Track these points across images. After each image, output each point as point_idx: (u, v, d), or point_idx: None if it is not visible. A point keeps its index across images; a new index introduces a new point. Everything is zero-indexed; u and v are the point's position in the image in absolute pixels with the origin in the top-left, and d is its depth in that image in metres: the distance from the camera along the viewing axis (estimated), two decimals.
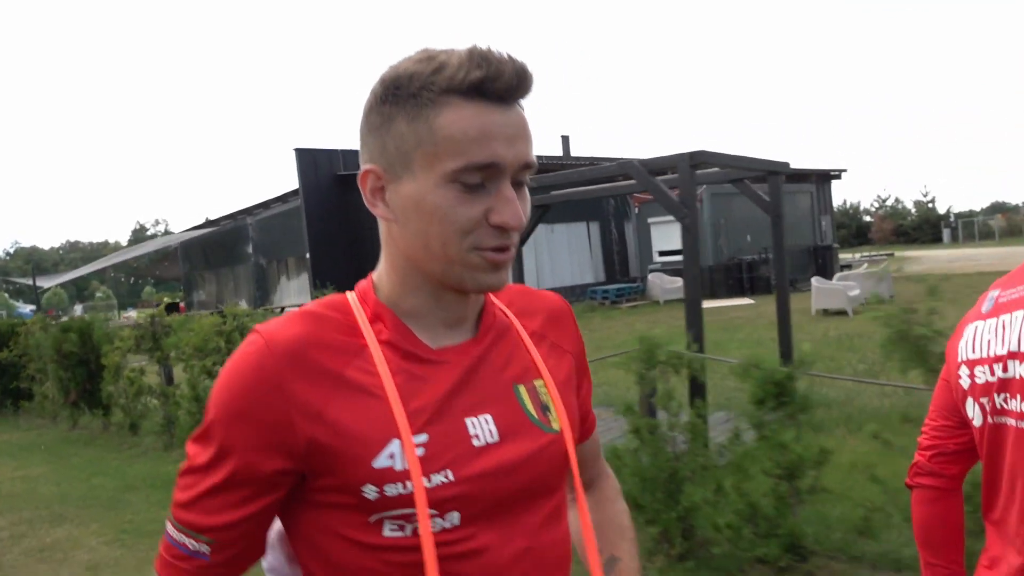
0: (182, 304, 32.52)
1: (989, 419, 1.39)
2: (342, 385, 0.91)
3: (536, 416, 1.00)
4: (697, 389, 5.11)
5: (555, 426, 1.01)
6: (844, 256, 36.32)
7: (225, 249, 30.52)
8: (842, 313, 14.27)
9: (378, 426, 0.90)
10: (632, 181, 6.31)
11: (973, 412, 1.42)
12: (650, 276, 21.42)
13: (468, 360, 0.98)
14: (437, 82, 0.88)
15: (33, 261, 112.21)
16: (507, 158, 0.89)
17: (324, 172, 24.48)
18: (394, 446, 0.89)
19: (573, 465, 1.03)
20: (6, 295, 55.33)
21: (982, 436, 1.41)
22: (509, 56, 0.90)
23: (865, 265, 25.99)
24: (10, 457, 8.47)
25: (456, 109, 0.88)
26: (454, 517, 0.91)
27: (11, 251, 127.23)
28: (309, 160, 24.20)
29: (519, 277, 8.10)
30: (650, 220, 22.60)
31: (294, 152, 23.78)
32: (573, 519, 1.12)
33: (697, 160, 5.61)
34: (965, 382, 1.43)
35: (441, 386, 0.94)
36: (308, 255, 23.63)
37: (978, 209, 55.92)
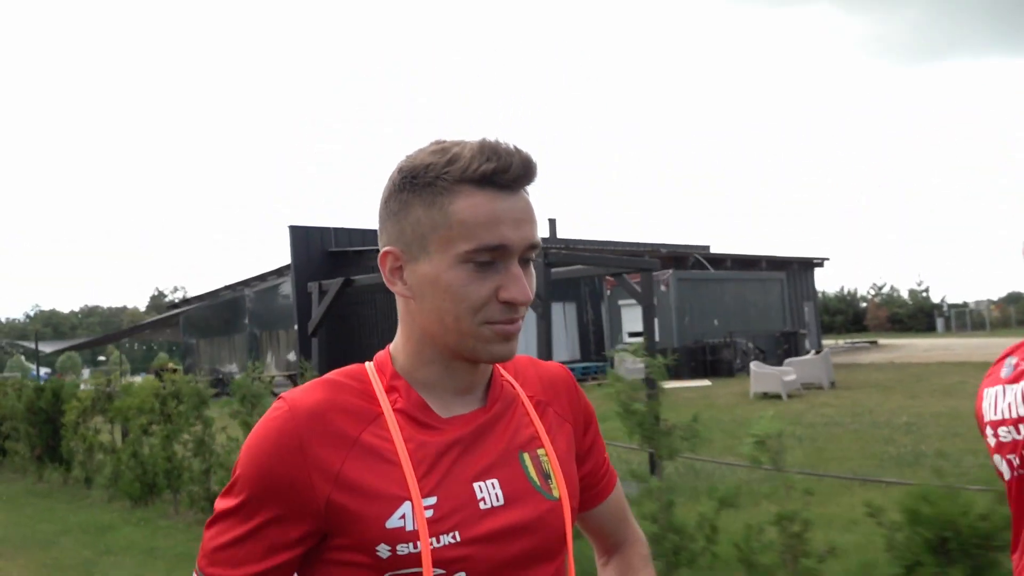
0: (176, 369, 33.60)
1: (1016, 472, 1.51)
2: (358, 449, 0.98)
3: (539, 483, 1.05)
4: None
5: (555, 494, 1.06)
6: (827, 342, 37.03)
7: (223, 318, 31.77)
8: (777, 396, 15.05)
9: (391, 489, 0.96)
10: (578, 266, 7.31)
11: (1002, 467, 1.55)
12: (616, 356, 22.31)
13: (476, 427, 1.04)
14: (451, 172, 0.98)
15: (51, 324, 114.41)
16: (514, 240, 0.98)
17: (316, 248, 25.82)
18: (405, 507, 0.96)
19: (567, 533, 1.08)
20: (22, 357, 57.06)
21: (1010, 488, 1.54)
22: (516, 148, 0.99)
23: (825, 352, 26.74)
24: None
25: (468, 197, 0.97)
26: None
27: (32, 314, 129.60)
28: (302, 236, 25.58)
29: None
30: (620, 302, 23.61)
31: (288, 228, 25.20)
32: None
33: (550, 259, 6.63)
34: (991, 440, 1.55)
35: (451, 452, 1.01)
36: (296, 327, 24.75)
37: (995, 299, 56.45)
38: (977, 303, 49.47)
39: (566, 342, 24.82)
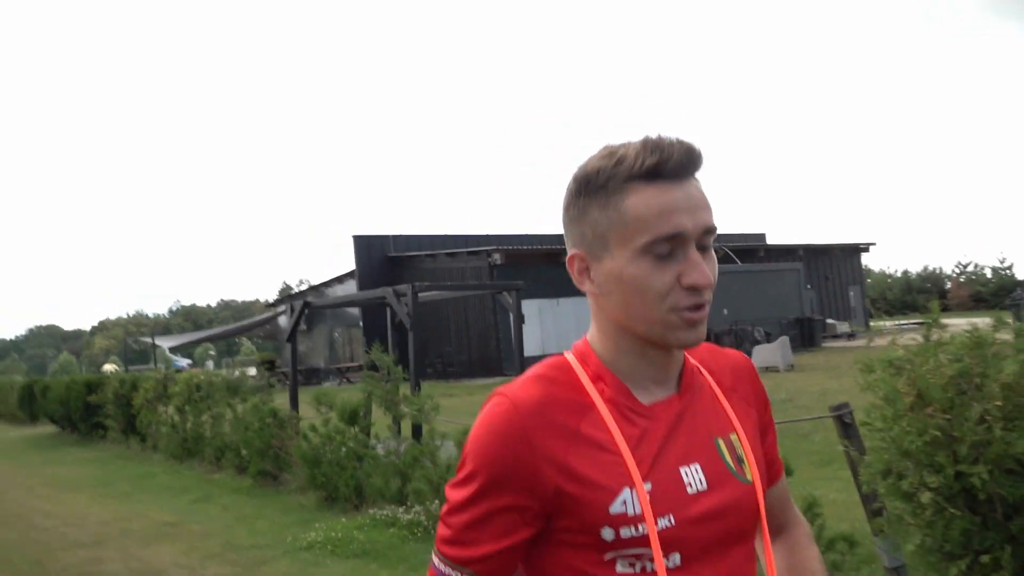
0: (275, 360, 38.27)
1: None
2: (579, 440, 1.05)
3: (734, 467, 1.12)
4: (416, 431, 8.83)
5: (748, 477, 1.13)
6: (877, 324, 37.93)
7: (309, 317, 36.05)
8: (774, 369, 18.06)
9: (613, 476, 1.04)
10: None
11: None
12: None
13: (675, 414, 1.11)
14: (620, 172, 1.05)
15: (191, 318, 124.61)
16: (689, 227, 1.03)
17: (377, 254, 29.51)
18: (626, 494, 1.03)
19: (762, 514, 1.14)
20: (167, 350, 64.09)
21: None
22: (677, 139, 1.05)
23: (783, 338, 28.30)
24: (85, 463, 13.42)
25: (639, 192, 1.04)
26: (676, 558, 1.04)
27: (174, 309, 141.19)
28: (364, 244, 29.32)
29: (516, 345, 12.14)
30: None
31: (352, 238, 28.99)
32: (778, 559, 1.28)
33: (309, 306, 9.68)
34: None
35: (657, 438, 1.08)
36: (361, 323, 28.54)
37: None
38: None
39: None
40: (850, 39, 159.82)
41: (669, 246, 1.03)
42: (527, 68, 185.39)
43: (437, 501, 6.73)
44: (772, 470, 1.26)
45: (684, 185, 1.05)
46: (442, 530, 1.09)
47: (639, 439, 1.07)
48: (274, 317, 39.10)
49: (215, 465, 11.19)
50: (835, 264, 34.59)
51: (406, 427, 8.35)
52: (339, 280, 31.53)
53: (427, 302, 26.58)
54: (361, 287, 28.43)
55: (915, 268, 55.92)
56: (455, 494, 1.08)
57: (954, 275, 52.90)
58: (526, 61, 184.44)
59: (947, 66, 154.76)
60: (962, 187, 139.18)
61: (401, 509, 7.21)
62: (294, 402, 10.77)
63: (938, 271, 55.18)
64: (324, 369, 32.35)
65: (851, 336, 29.95)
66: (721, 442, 1.13)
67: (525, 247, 28.11)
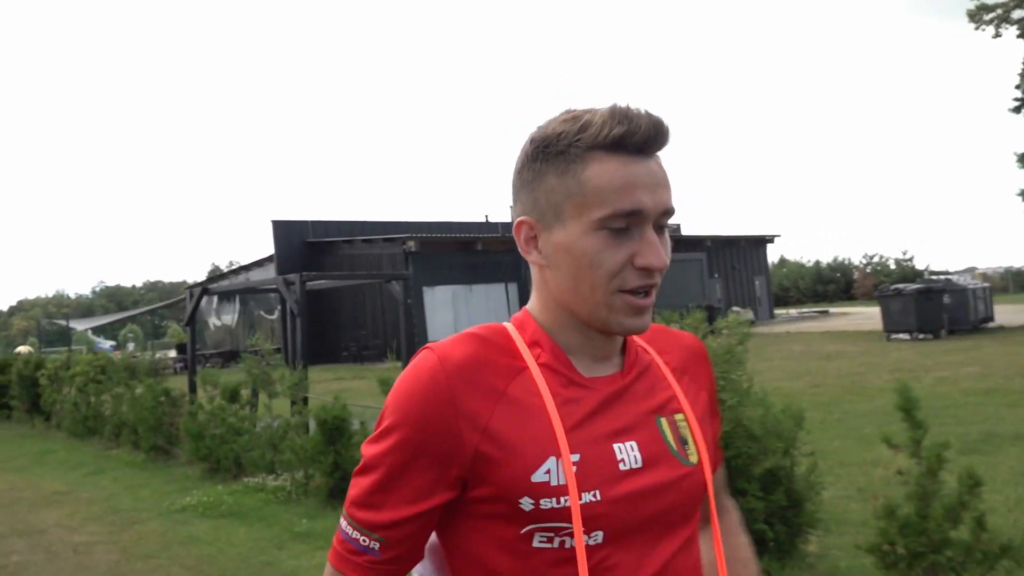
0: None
1: None
2: (506, 402, 0.99)
3: (675, 448, 1.06)
4: None
5: (692, 459, 1.07)
6: (779, 311, 39.96)
7: (227, 300, 36.27)
8: None
9: (538, 443, 0.98)
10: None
11: None
12: None
13: (615, 389, 1.05)
14: (583, 139, 0.99)
15: (116, 299, 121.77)
16: (649, 205, 0.98)
17: (296, 239, 29.96)
18: (551, 463, 0.97)
19: (711, 497, 1.11)
20: (89, 332, 63.13)
21: None
22: (646, 112, 0.99)
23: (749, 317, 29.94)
24: None
25: (601, 163, 0.98)
26: (598, 536, 0.98)
27: (97, 290, 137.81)
28: (283, 230, 29.73)
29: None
30: None
31: (271, 223, 29.38)
32: (704, 549, 1.17)
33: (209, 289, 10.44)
34: None
35: (592, 410, 1.02)
36: (278, 308, 29.01)
37: (981, 268, 58.15)
38: (960, 272, 51.28)
39: (509, 317, 28.55)
40: (767, 33, 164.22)
41: (626, 223, 0.99)
42: (458, 50, 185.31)
43: (303, 471, 7.56)
44: (718, 454, 1.23)
45: (647, 161, 1.00)
46: (352, 490, 1.04)
47: (572, 409, 1.01)
48: (180, 301, 39.12)
49: (114, 442, 11.77)
50: (742, 255, 36.29)
51: (283, 405, 9.17)
52: (259, 264, 31.88)
53: (344, 288, 27.25)
54: (280, 271, 28.85)
55: (827, 259, 58.31)
56: (368, 450, 1.03)
57: (860, 266, 55.72)
58: (457, 42, 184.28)
59: (864, 62, 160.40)
60: (880, 181, 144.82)
61: (271, 477, 8.05)
62: (192, 383, 11.44)
63: (847, 262, 57.84)
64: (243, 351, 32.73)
65: (752, 323, 31.62)
66: (664, 421, 1.08)
67: (438, 235, 28.95)
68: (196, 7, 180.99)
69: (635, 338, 1.13)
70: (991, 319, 21.39)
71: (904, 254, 55.24)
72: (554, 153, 1.01)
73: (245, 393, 9.32)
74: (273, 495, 7.58)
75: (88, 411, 12.46)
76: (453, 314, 26.37)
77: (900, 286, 20.74)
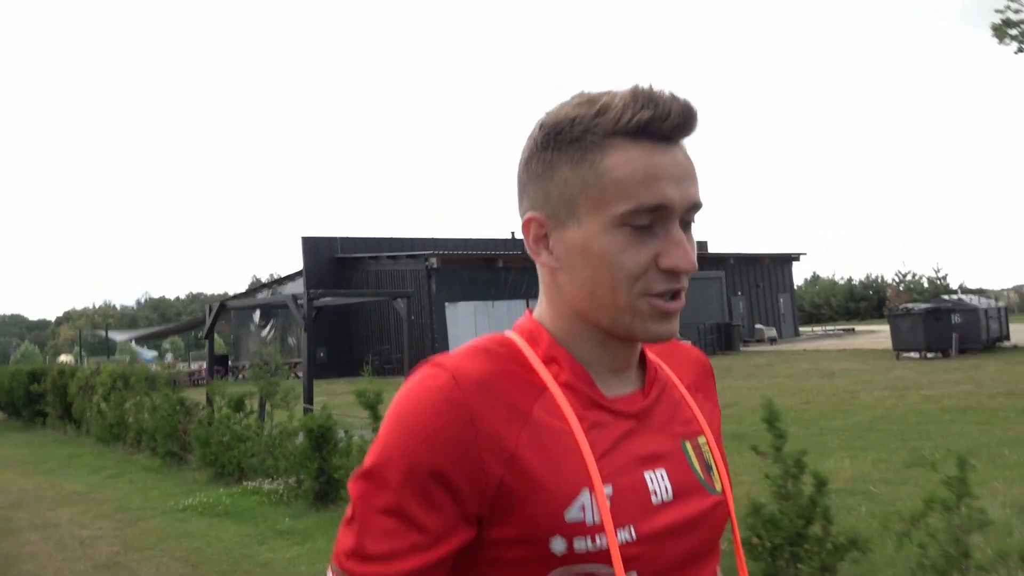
0: (227, 355, 39.49)
1: None
2: (532, 425, 0.86)
3: (702, 476, 0.96)
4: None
5: (718, 487, 0.97)
6: (805, 329, 39.92)
7: (261, 314, 37.31)
8: None
9: (570, 474, 0.85)
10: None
11: None
12: None
13: (638, 411, 0.94)
14: (601, 124, 0.87)
15: (159, 311, 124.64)
16: (676, 199, 0.87)
17: (324, 255, 30.89)
18: (584, 497, 0.85)
19: (734, 527, 1.01)
20: (132, 343, 64.90)
21: None
22: (673, 94, 0.88)
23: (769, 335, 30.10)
24: (22, 446, 14.75)
25: (622, 151, 0.87)
26: None
27: (142, 301, 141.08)
28: (312, 245, 30.69)
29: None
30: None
31: (301, 239, 30.35)
32: None
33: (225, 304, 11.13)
34: None
35: (620, 436, 0.91)
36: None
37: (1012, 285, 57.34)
38: (995, 290, 50.68)
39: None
40: (790, 48, 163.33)
41: (650, 219, 0.87)
42: (485, 69, 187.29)
43: (295, 477, 8.20)
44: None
45: (675, 150, 0.89)
46: (343, 539, 0.86)
47: (599, 434, 0.89)
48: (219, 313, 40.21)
49: (135, 448, 12.56)
50: (765, 273, 36.45)
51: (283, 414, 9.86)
52: (291, 278, 32.88)
53: (370, 303, 28.03)
54: (309, 286, 29.78)
55: (860, 276, 57.97)
56: (359, 490, 0.86)
57: (894, 283, 55.29)
58: (485, 63, 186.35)
59: (904, 72, 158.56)
60: (921, 197, 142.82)
61: (268, 481, 8.71)
62: (220, 394, 12.20)
63: (880, 279, 57.45)
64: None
65: (773, 341, 31.80)
66: (689, 446, 0.97)
67: (460, 252, 29.65)
68: (241, 42, 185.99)
69: (650, 352, 1.02)
70: (1006, 338, 21.43)
71: (936, 271, 54.57)
72: (568, 140, 0.89)
73: (251, 403, 10.02)
74: (267, 497, 8.23)
75: (113, 418, 13.28)
76: (475, 330, 26.99)
77: (910, 305, 20.93)
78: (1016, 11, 25.61)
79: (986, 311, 20.60)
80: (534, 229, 0.94)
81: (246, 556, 6.26)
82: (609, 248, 0.87)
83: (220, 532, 7.06)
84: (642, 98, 0.87)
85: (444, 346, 26.17)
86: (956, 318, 19.67)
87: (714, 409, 1.08)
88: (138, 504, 8.61)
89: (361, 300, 20.49)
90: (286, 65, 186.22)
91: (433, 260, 26.86)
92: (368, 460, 0.87)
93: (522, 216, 0.95)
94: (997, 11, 26.04)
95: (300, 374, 18.97)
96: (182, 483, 9.77)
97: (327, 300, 11.95)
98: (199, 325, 46.84)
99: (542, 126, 0.92)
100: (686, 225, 0.90)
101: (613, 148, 0.87)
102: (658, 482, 0.91)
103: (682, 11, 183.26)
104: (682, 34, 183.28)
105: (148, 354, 65.03)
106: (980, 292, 49.06)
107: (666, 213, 0.87)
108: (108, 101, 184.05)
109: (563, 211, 0.90)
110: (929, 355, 19.49)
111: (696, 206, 0.90)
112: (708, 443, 1.00)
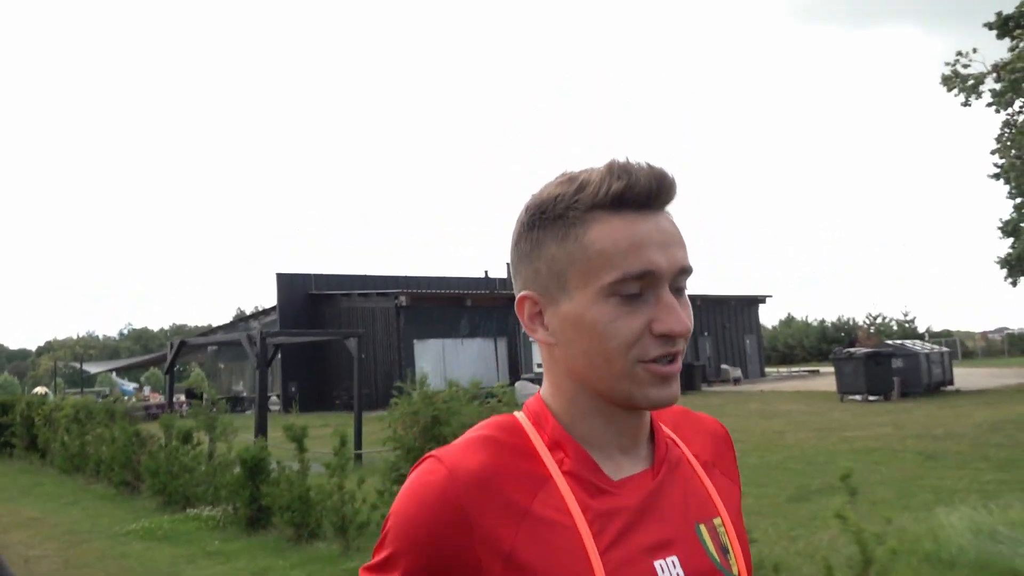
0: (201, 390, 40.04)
1: None
2: (530, 521, 0.86)
3: (719, 560, 0.94)
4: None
5: (735, 571, 0.95)
6: (771, 370, 40.80)
7: (235, 350, 37.90)
8: None
9: (570, 571, 0.84)
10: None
11: None
12: (517, 383, 27.26)
13: (649, 493, 0.93)
14: (582, 200, 0.89)
15: (142, 342, 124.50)
16: (662, 264, 0.88)
17: (299, 291, 31.61)
18: None
19: None
20: (112, 375, 65.08)
21: None
22: (647, 164, 0.90)
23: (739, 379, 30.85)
24: None
25: (604, 223, 0.89)
26: None
27: (125, 332, 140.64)
28: (286, 282, 31.40)
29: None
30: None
31: (276, 276, 31.08)
32: None
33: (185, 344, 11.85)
34: None
35: (627, 524, 0.89)
36: (280, 358, 30.54)
37: (980, 330, 58.56)
38: (960, 333, 51.81)
39: (495, 370, 29.90)
40: (763, 87, 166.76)
41: (639, 286, 0.88)
42: (464, 105, 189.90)
43: (232, 504, 8.85)
44: (749, 560, 1.01)
45: (655, 217, 0.91)
46: None
47: (605, 524, 0.88)
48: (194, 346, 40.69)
49: (95, 477, 13.15)
50: (732, 314, 37.36)
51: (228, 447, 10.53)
52: (265, 313, 33.53)
53: (338, 340, 28.73)
54: (282, 323, 30.48)
55: (831, 317, 59.13)
56: None
57: (864, 325, 56.45)
58: (463, 99, 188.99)
59: (872, 115, 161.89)
60: (895, 241, 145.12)
61: (208, 508, 9.37)
62: (168, 426, 12.85)
63: (851, 321, 58.61)
64: (247, 398, 34.20)
65: (737, 381, 32.58)
66: (703, 529, 0.94)
67: (429, 290, 30.47)
68: (231, 80, 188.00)
69: (662, 426, 1.01)
70: (950, 383, 22.26)
71: (905, 315, 55.78)
72: (552, 218, 0.92)
73: (198, 435, 10.70)
74: (205, 523, 8.88)
75: (75, 449, 13.87)
76: (444, 366, 27.67)
77: (852, 350, 21.75)
78: (965, 66, 27.01)
79: (928, 355, 21.46)
80: (528, 307, 0.96)
81: (173, 574, 6.92)
82: (600, 318, 0.88)
83: (155, 554, 7.71)
84: (616, 170, 0.90)
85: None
86: (897, 362, 20.52)
87: (732, 486, 1.06)
88: (87, 528, 9.23)
89: (314, 339, 21.16)
90: (275, 97, 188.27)
91: (403, 298, 27.63)
92: (374, 557, 0.90)
93: (516, 295, 0.98)
94: (947, 63, 27.42)
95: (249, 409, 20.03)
96: (132, 510, 10.38)
97: (281, 339, 12.66)
98: (156, 363, 47.28)
99: (527, 208, 0.96)
100: (678, 291, 0.91)
101: (595, 221, 0.90)
102: (669, 570, 0.89)
103: (655, 59, 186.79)
104: (654, 69, 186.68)
105: (129, 386, 65.30)
106: (946, 335, 50.24)
107: (654, 279, 0.88)
108: (93, 129, 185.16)
109: (554, 287, 0.92)
110: (871, 398, 20.29)
111: (685, 270, 0.91)
112: (724, 524, 0.98)
